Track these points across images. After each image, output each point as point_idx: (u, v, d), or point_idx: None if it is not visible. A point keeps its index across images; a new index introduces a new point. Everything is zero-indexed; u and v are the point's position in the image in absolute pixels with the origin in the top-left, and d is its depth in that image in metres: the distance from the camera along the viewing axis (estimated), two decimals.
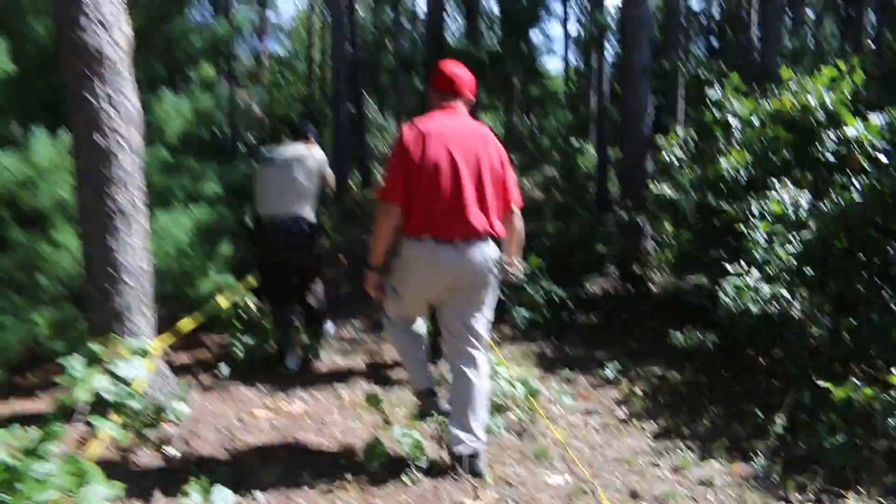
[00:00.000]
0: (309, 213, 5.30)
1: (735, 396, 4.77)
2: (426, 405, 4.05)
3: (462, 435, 3.47)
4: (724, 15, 20.65)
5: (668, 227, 7.01)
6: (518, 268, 3.81)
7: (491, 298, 3.66)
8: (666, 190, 6.36)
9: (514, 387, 4.42)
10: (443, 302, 3.61)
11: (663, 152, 6.60)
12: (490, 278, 3.54)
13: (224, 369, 5.15)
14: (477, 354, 3.62)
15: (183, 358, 5.61)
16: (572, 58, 28.38)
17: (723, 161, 5.68)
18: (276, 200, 5.25)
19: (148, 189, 5.75)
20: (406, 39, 24.66)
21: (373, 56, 27.39)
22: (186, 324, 4.66)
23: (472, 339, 3.61)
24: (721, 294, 4.76)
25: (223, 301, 5.32)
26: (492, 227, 3.51)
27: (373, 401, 4.06)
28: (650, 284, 7.88)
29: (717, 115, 5.96)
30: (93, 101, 3.82)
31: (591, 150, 13.65)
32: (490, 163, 3.52)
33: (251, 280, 5.82)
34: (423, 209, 3.42)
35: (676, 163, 6.50)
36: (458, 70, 3.68)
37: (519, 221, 3.72)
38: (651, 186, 6.64)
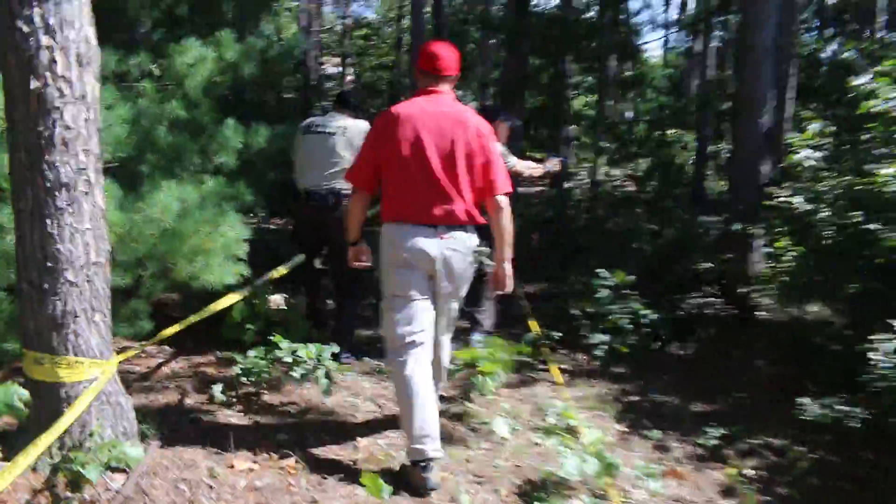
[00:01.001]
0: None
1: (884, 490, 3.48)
2: (414, 481, 3.46)
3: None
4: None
5: (789, 244, 5.63)
6: (504, 278, 3.56)
7: (465, 288, 3.58)
8: (796, 199, 4.99)
9: (584, 461, 3.26)
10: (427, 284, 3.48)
11: (795, 151, 5.22)
12: (466, 267, 3.48)
13: (217, 392, 4.08)
14: (444, 340, 3.71)
15: (172, 370, 4.60)
16: (673, 39, 26.72)
17: (885, 168, 4.32)
18: (315, 173, 4.97)
19: (156, 155, 4.85)
20: (497, 4, 23.35)
21: (460, 25, 26.33)
22: (169, 331, 3.66)
23: (443, 326, 3.62)
24: (874, 354, 3.51)
25: (231, 299, 4.32)
26: (469, 214, 3.42)
27: (372, 487, 2.94)
28: (759, 311, 6.52)
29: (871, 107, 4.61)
30: (28, 31, 2.75)
31: (688, 141, 12.30)
32: (468, 148, 3.38)
33: (280, 270, 4.99)
34: (396, 194, 3.41)
35: (812, 166, 5.13)
36: (441, 50, 3.55)
37: (502, 211, 3.47)
38: (775, 192, 5.26)
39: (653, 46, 30.83)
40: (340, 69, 33.41)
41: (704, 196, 10.90)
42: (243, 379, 4.06)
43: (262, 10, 6.16)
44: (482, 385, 4.32)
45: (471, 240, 3.46)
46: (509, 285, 3.59)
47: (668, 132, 8.49)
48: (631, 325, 5.50)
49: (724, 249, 7.31)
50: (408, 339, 3.40)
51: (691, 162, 11.41)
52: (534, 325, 5.47)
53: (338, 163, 4.86)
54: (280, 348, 4.01)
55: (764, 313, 6.43)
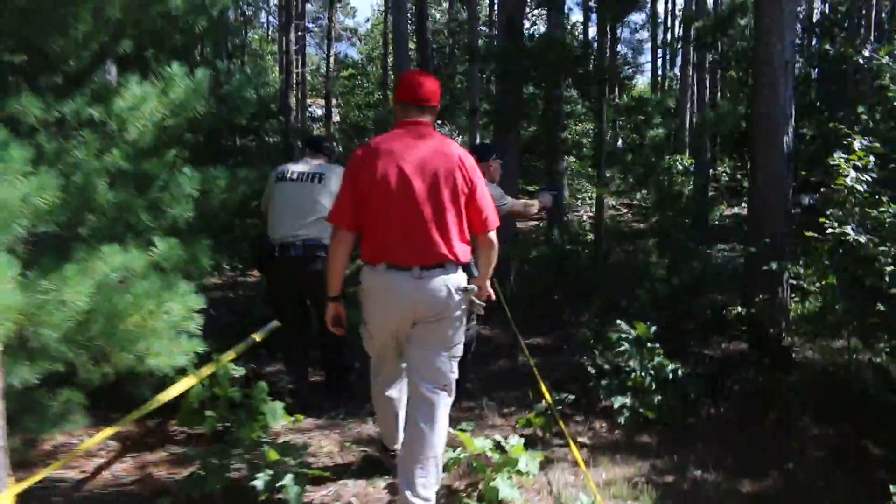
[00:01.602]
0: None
1: None
2: (388, 463, 3.80)
3: (407, 494, 3.16)
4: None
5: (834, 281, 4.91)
6: (486, 294, 3.48)
7: (457, 334, 3.34)
8: (849, 229, 4.30)
9: None
10: (406, 336, 3.33)
11: (842, 173, 4.53)
12: (452, 310, 3.26)
13: None
14: (436, 399, 3.28)
15: (114, 474, 3.84)
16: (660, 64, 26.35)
17: None
18: (291, 223, 4.63)
19: (96, 216, 4.14)
20: (483, 37, 22.96)
21: (446, 58, 26.05)
22: (98, 438, 2.93)
23: (430, 380, 3.29)
24: None
25: (187, 382, 3.60)
26: (452, 252, 3.22)
27: None
28: (796, 356, 5.80)
29: None
30: None
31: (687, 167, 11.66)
32: (452, 182, 3.20)
33: (256, 338, 4.47)
34: (377, 234, 3.23)
35: (863, 190, 4.45)
36: (421, 78, 3.40)
37: (491, 246, 3.36)
38: (826, 222, 4.52)
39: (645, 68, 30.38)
40: (324, 110, 33.09)
41: (706, 224, 10.23)
42: (192, 494, 3.27)
43: (222, 42, 5.45)
44: (492, 492, 3.47)
45: (453, 279, 3.24)
46: (486, 293, 3.48)
47: (670, 158, 7.79)
48: (656, 384, 4.77)
49: (749, 286, 6.63)
50: (387, 392, 3.57)
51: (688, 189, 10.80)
52: (544, 391, 4.75)
53: (316, 210, 4.52)
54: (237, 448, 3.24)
55: (802, 359, 5.71)
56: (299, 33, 33.15)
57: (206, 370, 3.91)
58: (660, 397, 4.74)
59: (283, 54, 20.19)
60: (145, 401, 3.68)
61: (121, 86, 4.30)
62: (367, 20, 44.24)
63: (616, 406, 4.64)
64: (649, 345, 4.91)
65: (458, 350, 3.38)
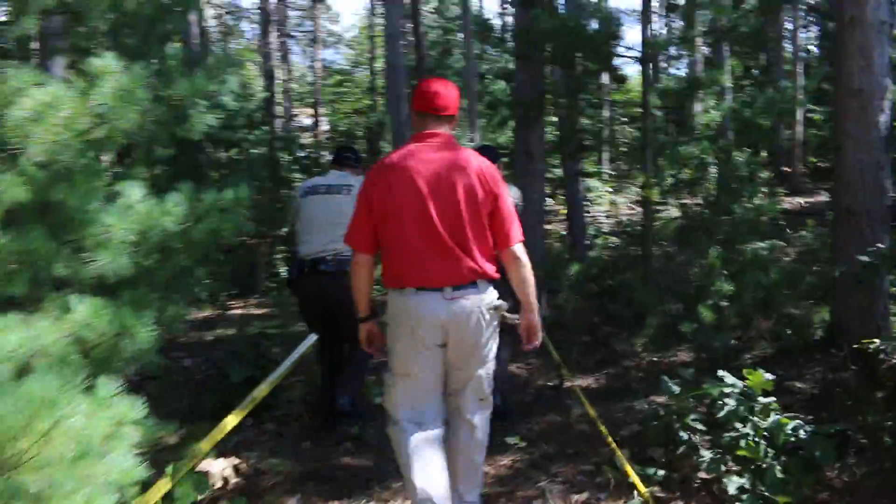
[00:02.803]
0: None
1: None
2: None
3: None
4: None
5: None
6: (536, 332, 3.23)
7: (491, 351, 3.18)
8: None
9: None
10: (442, 363, 3.12)
11: None
12: (485, 328, 3.08)
13: None
14: (474, 418, 3.22)
15: None
16: None
17: None
18: (319, 238, 4.53)
19: None
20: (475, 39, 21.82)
21: (439, 62, 24.95)
22: None
23: (469, 399, 3.20)
24: None
25: None
26: (481, 268, 3.02)
27: None
28: None
29: None
30: None
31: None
32: (473, 196, 3.01)
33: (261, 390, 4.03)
34: (396, 256, 3.05)
35: None
36: (438, 87, 3.20)
37: (519, 262, 3.09)
38: None
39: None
40: (313, 119, 31.92)
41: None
42: None
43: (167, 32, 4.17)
44: None
45: (486, 297, 3.07)
46: (539, 336, 3.27)
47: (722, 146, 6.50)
48: (774, 451, 3.54)
49: (840, 298, 5.42)
50: (411, 421, 3.14)
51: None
52: (629, 471, 3.51)
53: (345, 223, 3.75)
54: None
55: None
56: (282, 40, 31.99)
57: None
58: (780, 469, 3.50)
59: (264, 60, 18.81)
60: None
61: (19, 89, 3.02)
62: (353, 25, 43.03)
63: (731, 490, 3.39)
64: (762, 399, 3.67)
65: (492, 366, 3.25)
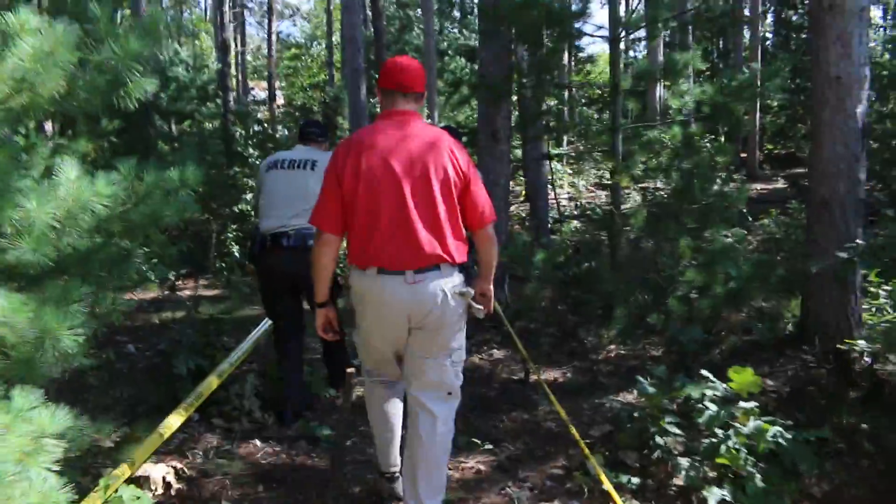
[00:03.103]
0: None
1: None
2: (383, 488, 3.51)
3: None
4: None
5: None
6: (489, 300, 3.30)
7: (457, 339, 3.13)
8: None
9: None
10: (405, 342, 3.10)
11: None
12: (450, 314, 3.01)
13: None
14: (436, 408, 3.08)
15: None
16: None
17: None
18: (283, 212, 4.45)
19: None
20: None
21: (396, 37, 24.48)
22: None
23: (431, 386, 3.10)
24: None
25: None
26: (447, 252, 2.97)
27: None
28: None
29: None
30: None
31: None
32: (444, 175, 2.95)
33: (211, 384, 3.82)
34: (363, 235, 2.99)
35: None
36: (405, 63, 3.16)
37: (490, 242, 3.15)
38: None
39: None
40: (267, 92, 31.23)
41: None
42: None
43: None
44: None
45: (449, 281, 3.01)
46: (491, 306, 3.30)
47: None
48: (751, 457, 3.36)
49: (812, 290, 5.28)
50: (378, 377, 3.32)
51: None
52: (601, 476, 3.30)
53: (308, 198, 3.85)
54: None
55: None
56: (236, 9, 31.14)
57: None
58: (760, 478, 3.31)
59: (218, 30, 18.15)
60: None
61: None
62: None
63: (712, 502, 3.19)
64: (743, 403, 3.48)
65: (461, 355, 3.19)
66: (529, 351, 5.35)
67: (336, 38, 28.79)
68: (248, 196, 9.53)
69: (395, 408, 3.38)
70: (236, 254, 9.05)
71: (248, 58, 39.48)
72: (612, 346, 5.83)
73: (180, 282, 8.95)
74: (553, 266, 5.97)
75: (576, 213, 13.94)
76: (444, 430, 3.12)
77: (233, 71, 32.99)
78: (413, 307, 2.96)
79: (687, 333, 5.32)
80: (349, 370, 3.33)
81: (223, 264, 8.97)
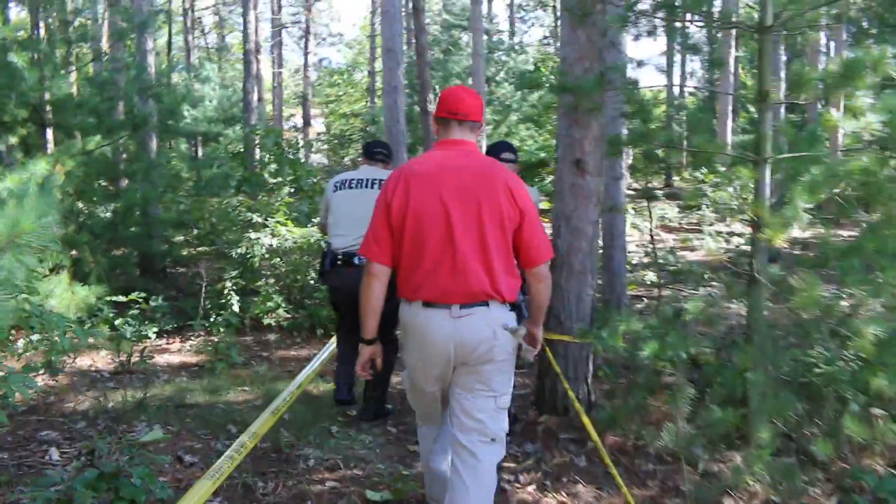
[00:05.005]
0: None
1: None
2: None
3: None
4: None
5: None
6: (538, 342, 3.27)
7: (502, 381, 3.04)
8: None
9: None
10: (449, 381, 3.08)
11: None
12: (497, 352, 2.95)
13: None
14: (479, 451, 2.99)
15: None
16: None
17: None
18: (352, 230, 4.61)
19: None
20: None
21: (441, 63, 22.93)
22: None
23: (474, 430, 3.00)
24: None
25: None
26: (496, 289, 2.93)
27: None
28: None
29: None
30: None
31: None
32: (497, 209, 2.92)
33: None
34: (411, 267, 2.99)
35: None
36: (462, 93, 3.16)
37: (544, 282, 3.09)
38: None
39: None
40: (302, 118, 29.95)
41: None
42: None
43: None
44: None
45: (498, 318, 2.95)
46: (538, 345, 3.26)
47: None
48: None
49: None
50: (425, 421, 3.37)
51: None
52: None
53: None
54: None
55: None
56: (274, 29, 29.90)
57: None
58: None
59: (245, 46, 16.61)
60: None
61: None
62: (353, 24, 41.16)
63: None
64: None
65: (506, 400, 3.08)
66: (634, 493, 3.45)
67: (378, 64, 27.45)
68: (253, 236, 7.70)
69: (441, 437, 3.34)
70: (235, 307, 7.20)
71: (286, 82, 38.39)
72: (757, 487, 3.84)
73: (164, 340, 7.16)
74: (666, 358, 4.02)
75: (645, 260, 11.94)
76: (488, 475, 3.02)
77: (268, 96, 31.84)
78: (457, 342, 2.90)
79: (887, 483, 3.39)
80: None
81: (217, 318, 7.11)
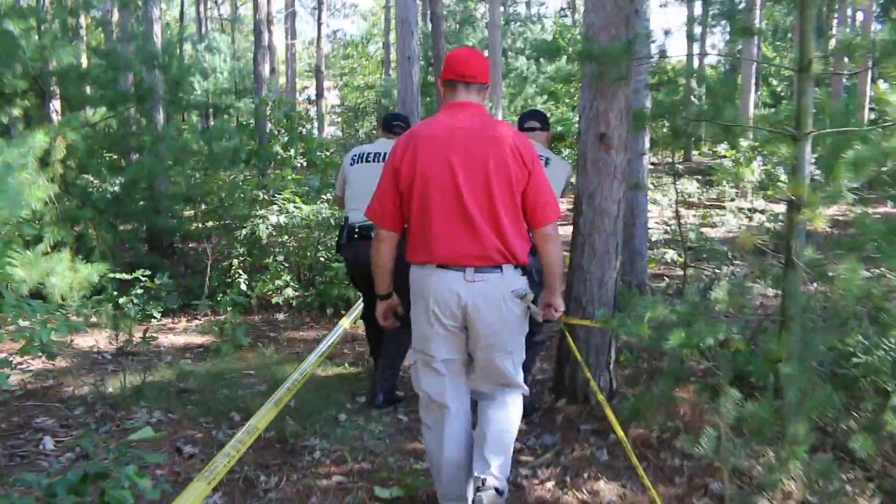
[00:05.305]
0: None
1: None
2: None
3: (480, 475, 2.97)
4: None
5: None
6: (557, 311, 3.21)
7: (515, 341, 3.10)
8: None
9: None
10: (460, 342, 3.09)
11: None
12: (507, 317, 2.98)
13: None
14: (501, 393, 3.15)
15: None
16: None
17: None
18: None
19: None
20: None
21: (455, 34, 22.55)
22: None
23: (496, 382, 3.14)
24: None
25: None
26: (509, 249, 2.93)
27: None
28: None
29: None
30: None
31: None
32: (505, 170, 2.90)
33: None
34: (419, 230, 2.99)
35: None
36: (467, 54, 3.12)
37: (550, 242, 3.04)
38: None
39: None
40: (315, 90, 29.57)
41: None
42: None
43: None
44: None
45: (511, 283, 2.97)
46: (559, 313, 3.22)
47: None
48: None
49: None
50: (436, 402, 3.13)
51: None
52: None
53: None
54: None
55: None
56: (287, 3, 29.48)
57: None
58: None
59: (256, 17, 16.28)
60: None
61: None
62: None
63: None
64: None
65: (521, 356, 3.16)
66: (660, 491, 3.21)
67: (393, 36, 27.06)
68: (259, 213, 7.46)
69: (458, 441, 3.16)
70: (243, 286, 6.97)
71: (300, 54, 38.05)
72: (791, 486, 3.59)
73: (169, 319, 6.97)
74: (694, 346, 3.76)
75: (664, 238, 11.62)
76: (513, 410, 3.14)
77: (282, 68, 31.50)
78: (471, 306, 2.91)
79: None
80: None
81: (222, 298, 6.90)
